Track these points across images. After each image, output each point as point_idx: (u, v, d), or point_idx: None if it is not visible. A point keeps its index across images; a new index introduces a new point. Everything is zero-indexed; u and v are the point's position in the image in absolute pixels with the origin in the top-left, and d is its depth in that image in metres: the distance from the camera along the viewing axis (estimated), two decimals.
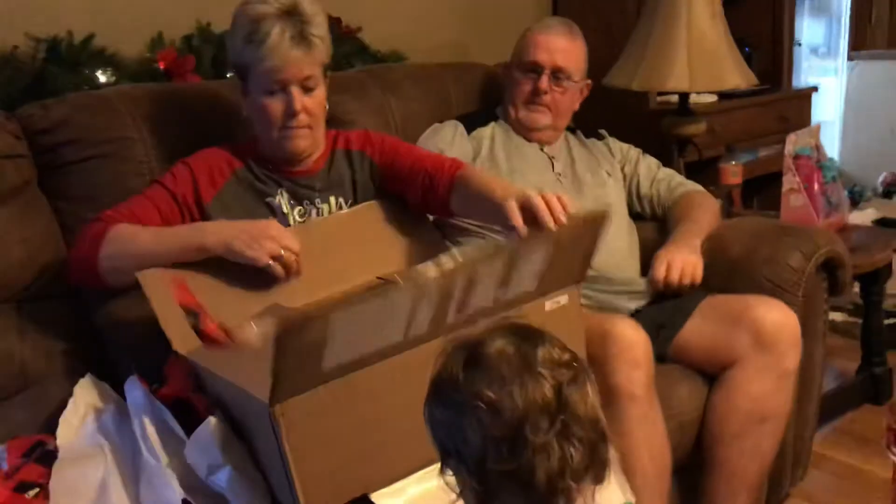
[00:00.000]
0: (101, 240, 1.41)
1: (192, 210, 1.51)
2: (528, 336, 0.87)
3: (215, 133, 1.70)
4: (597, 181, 2.01)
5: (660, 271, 1.77)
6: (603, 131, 2.17)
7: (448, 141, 1.94)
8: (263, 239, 1.37)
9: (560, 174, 1.99)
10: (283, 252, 1.37)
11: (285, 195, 1.57)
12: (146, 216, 1.47)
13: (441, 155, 1.70)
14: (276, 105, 1.50)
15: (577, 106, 2.08)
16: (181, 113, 1.72)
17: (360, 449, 1.10)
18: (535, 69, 1.98)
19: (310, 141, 1.57)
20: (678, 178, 2.10)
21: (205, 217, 1.51)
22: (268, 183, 1.58)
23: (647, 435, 1.53)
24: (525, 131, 2.02)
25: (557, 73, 1.98)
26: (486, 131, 2.01)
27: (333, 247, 1.49)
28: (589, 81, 2.09)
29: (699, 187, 2.09)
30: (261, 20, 1.46)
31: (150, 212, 1.48)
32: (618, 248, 1.91)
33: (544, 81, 1.97)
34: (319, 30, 1.50)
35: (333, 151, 1.64)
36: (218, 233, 1.39)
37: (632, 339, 1.51)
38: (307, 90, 1.51)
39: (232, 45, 1.53)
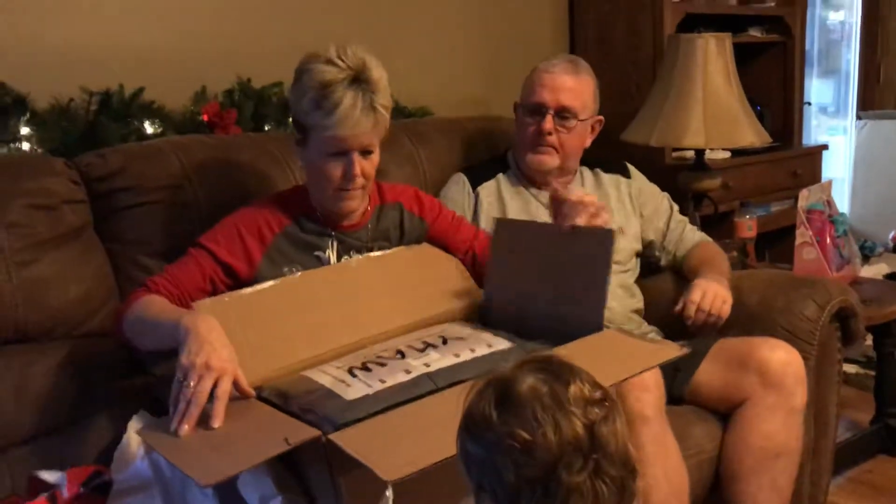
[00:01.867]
0: (132, 305, 1.48)
1: (238, 272, 1.55)
2: (558, 372, 0.87)
3: (259, 181, 1.81)
4: None
5: (696, 295, 1.83)
6: (630, 167, 2.16)
7: (457, 203, 1.98)
8: (202, 363, 1.25)
9: None
10: (195, 379, 1.24)
11: (334, 247, 1.62)
12: (190, 279, 1.52)
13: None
14: (336, 168, 1.53)
15: (587, 143, 2.05)
16: (228, 162, 1.80)
17: (412, 479, 1.11)
18: (540, 110, 1.96)
19: (359, 201, 1.61)
20: (689, 226, 2.16)
21: (255, 273, 1.55)
22: (317, 237, 1.62)
23: (662, 455, 1.58)
24: (534, 174, 2.02)
25: (563, 113, 1.95)
26: (490, 186, 2.02)
27: (376, 285, 1.56)
28: (601, 118, 2.06)
29: (707, 237, 2.17)
30: (331, 86, 1.47)
31: (193, 275, 1.53)
32: (616, 296, 1.97)
33: (548, 122, 1.94)
34: (385, 98, 1.52)
35: (382, 205, 1.70)
36: (192, 326, 1.30)
37: None
38: (366, 153, 1.55)
39: (297, 103, 1.53)
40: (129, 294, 1.53)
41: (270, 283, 1.51)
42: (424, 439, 1.10)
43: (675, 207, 2.18)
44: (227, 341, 1.30)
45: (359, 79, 1.50)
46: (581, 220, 1.49)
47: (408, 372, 1.31)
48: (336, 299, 1.52)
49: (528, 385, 0.85)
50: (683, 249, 2.11)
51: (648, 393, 1.56)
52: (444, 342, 1.42)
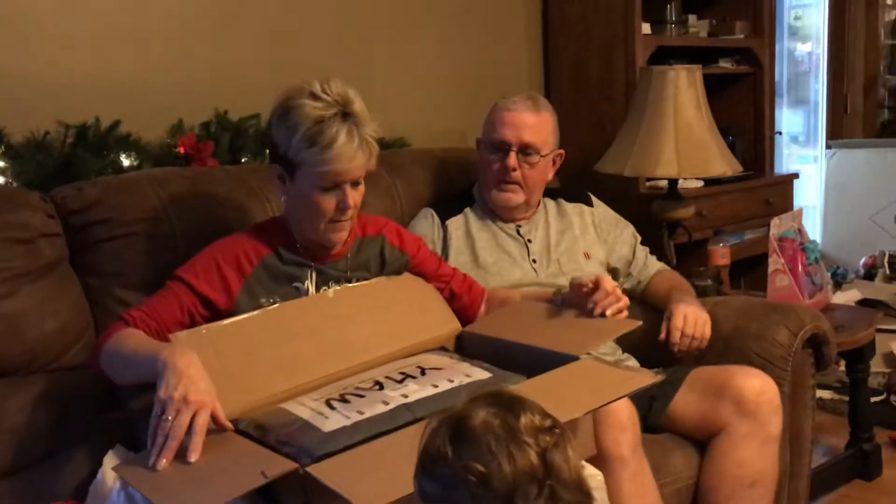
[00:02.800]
0: (109, 338, 1.46)
1: (216, 303, 1.54)
2: (509, 405, 0.88)
3: (236, 213, 1.81)
4: (572, 264, 2.06)
5: (678, 320, 1.86)
6: (592, 196, 2.20)
7: (427, 237, 1.99)
8: (180, 397, 1.25)
9: (535, 261, 2.04)
10: (173, 413, 1.24)
11: (313, 278, 1.62)
12: (167, 312, 1.51)
13: (465, 277, 1.85)
14: (329, 201, 1.54)
15: (550, 177, 2.10)
16: (205, 194, 1.80)
17: None
18: (503, 147, 2.00)
19: (348, 231, 1.63)
20: (650, 255, 2.20)
21: (233, 304, 1.55)
22: (296, 268, 1.62)
23: (639, 494, 1.58)
24: (500, 210, 2.06)
25: (525, 149, 1.99)
26: (458, 220, 2.05)
27: (354, 316, 1.57)
28: (561, 151, 2.10)
29: (665, 265, 2.22)
30: (323, 122, 1.49)
31: (171, 308, 1.51)
32: None
33: (512, 159, 1.98)
34: (372, 129, 1.55)
35: (363, 237, 1.71)
36: (169, 359, 1.30)
37: (616, 405, 1.53)
38: (355, 185, 1.57)
39: (286, 140, 1.52)
40: (107, 328, 1.52)
41: (248, 314, 1.52)
42: (401, 469, 1.09)
43: (639, 238, 2.22)
44: (205, 374, 1.30)
45: (347, 113, 1.52)
46: (609, 311, 1.62)
47: (386, 403, 1.31)
48: (314, 330, 1.53)
49: (481, 419, 0.87)
50: (646, 276, 2.15)
51: (625, 433, 1.56)
52: (423, 373, 1.42)
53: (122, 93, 2.09)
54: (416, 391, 1.35)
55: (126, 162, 2.00)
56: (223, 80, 2.27)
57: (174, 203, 1.75)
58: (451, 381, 1.38)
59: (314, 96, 1.51)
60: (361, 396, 1.35)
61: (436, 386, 1.36)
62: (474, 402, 0.89)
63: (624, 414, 1.55)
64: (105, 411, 1.59)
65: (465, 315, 1.78)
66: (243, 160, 2.18)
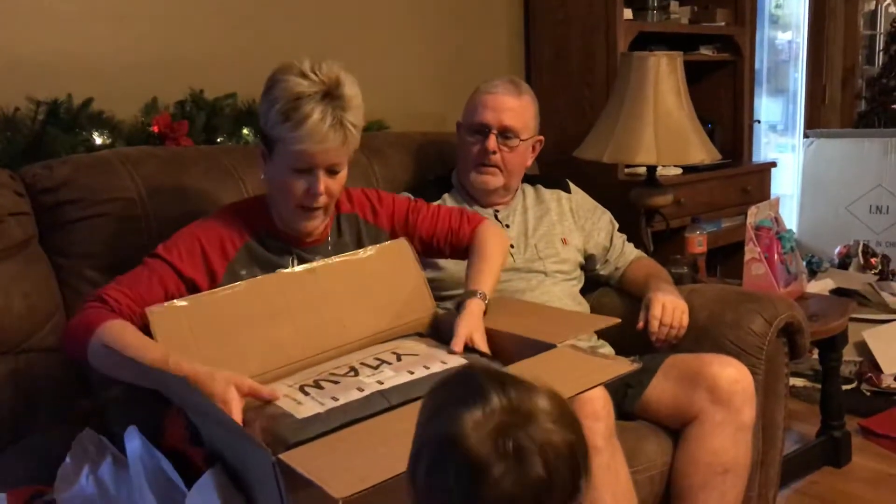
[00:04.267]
0: (95, 329, 1.35)
1: (200, 287, 1.49)
2: (525, 419, 0.82)
3: (211, 194, 1.78)
4: (550, 249, 2.06)
5: (657, 310, 1.88)
6: (570, 183, 2.21)
7: None
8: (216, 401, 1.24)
9: (513, 246, 2.03)
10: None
11: (295, 265, 1.58)
12: (153, 299, 1.42)
13: (450, 226, 1.77)
14: (299, 184, 1.50)
15: (529, 163, 2.10)
16: (179, 175, 1.78)
17: (363, 496, 1.08)
18: (483, 130, 2.00)
19: (321, 220, 1.58)
20: (628, 242, 2.21)
21: (215, 287, 1.48)
22: (278, 253, 1.59)
23: (611, 482, 1.58)
24: (478, 194, 2.06)
25: (505, 133, 1.99)
26: None
27: (331, 298, 1.53)
28: (541, 137, 2.11)
29: (643, 253, 2.23)
30: (301, 99, 1.44)
31: (156, 294, 1.44)
32: (565, 305, 1.99)
33: (492, 141, 1.99)
34: (356, 116, 1.49)
35: (339, 215, 1.67)
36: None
37: (591, 393, 1.53)
38: (332, 173, 1.52)
39: (265, 114, 1.49)
40: (85, 307, 1.39)
41: (226, 290, 1.45)
42: (376, 456, 1.09)
43: (616, 224, 2.22)
44: (222, 375, 1.27)
45: (331, 94, 1.46)
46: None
47: (361, 389, 1.30)
48: (290, 311, 1.49)
49: (503, 489, 0.79)
50: (624, 263, 2.16)
51: (599, 422, 1.55)
52: (398, 359, 1.41)
53: (96, 69, 2.05)
54: (392, 378, 1.34)
55: (98, 140, 1.96)
56: (199, 58, 2.23)
57: (147, 183, 1.72)
58: (427, 368, 1.37)
59: (302, 74, 1.47)
60: (336, 382, 1.33)
61: (412, 373, 1.35)
62: (492, 432, 0.80)
63: (598, 403, 1.55)
64: (75, 395, 1.56)
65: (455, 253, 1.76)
66: (218, 140, 2.15)
